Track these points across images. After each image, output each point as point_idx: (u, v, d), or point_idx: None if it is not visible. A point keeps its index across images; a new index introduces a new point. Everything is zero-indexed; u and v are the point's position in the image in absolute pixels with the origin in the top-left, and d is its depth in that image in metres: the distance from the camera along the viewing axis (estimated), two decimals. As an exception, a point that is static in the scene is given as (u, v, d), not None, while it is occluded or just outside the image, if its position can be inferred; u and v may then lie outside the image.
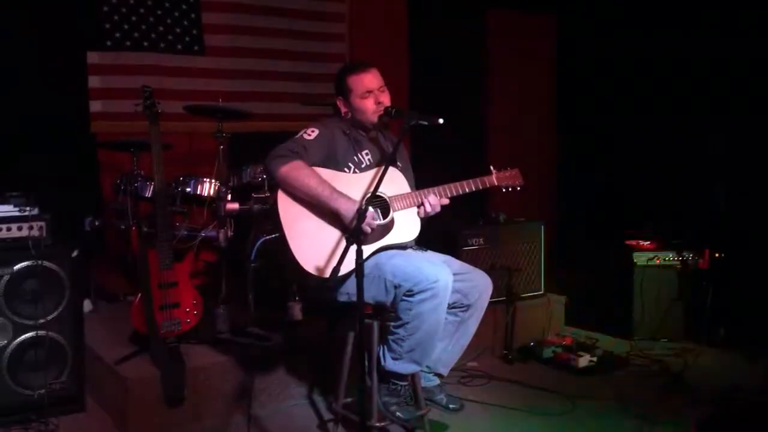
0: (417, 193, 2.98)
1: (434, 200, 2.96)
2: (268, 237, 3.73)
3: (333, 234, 2.84)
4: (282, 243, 2.81)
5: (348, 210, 2.75)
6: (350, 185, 2.88)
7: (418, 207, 2.97)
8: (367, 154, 3.05)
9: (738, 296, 4.29)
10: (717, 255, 4.32)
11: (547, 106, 6.55)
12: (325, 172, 2.88)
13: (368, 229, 2.75)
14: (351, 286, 2.79)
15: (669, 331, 4.35)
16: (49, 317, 3.14)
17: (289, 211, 2.84)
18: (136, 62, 4.68)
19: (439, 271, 2.78)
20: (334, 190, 2.80)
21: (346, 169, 2.97)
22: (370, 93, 3.00)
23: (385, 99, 3.03)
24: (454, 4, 5.85)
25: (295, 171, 2.81)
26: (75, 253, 3.23)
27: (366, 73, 3.03)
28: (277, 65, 5.25)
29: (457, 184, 3.01)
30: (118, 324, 3.70)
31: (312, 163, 2.86)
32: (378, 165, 3.02)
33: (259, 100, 5.08)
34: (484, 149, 6.14)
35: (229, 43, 5.05)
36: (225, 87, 4.90)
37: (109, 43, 4.61)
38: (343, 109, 3.07)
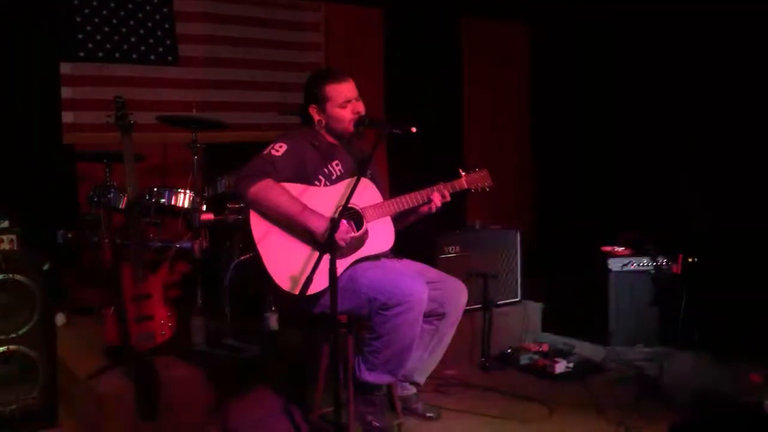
0: (390, 201, 2.98)
1: (437, 198, 2.98)
2: (242, 257, 3.72)
3: (306, 250, 2.83)
4: (256, 261, 2.80)
5: (319, 227, 2.74)
6: (321, 198, 2.88)
7: (423, 204, 2.99)
8: (337, 165, 3.04)
9: (712, 300, 4.33)
10: (690, 260, 4.36)
11: (523, 114, 6.60)
12: (295, 188, 2.86)
13: (342, 243, 2.75)
14: (326, 297, 2.78)
15: (644, 336, 4.38)
16: (20, 331, 3.08)
17: (261, 229, 2.82)
18: (109, 73, 4.66)
19: (414, 284, 2.79)
20: (305, 207, 2.79)
21: (316, 182, 2.96)
22: (349, 102, 3.00)
23: (361, 108, 3.03)
24: (428, 13, 5.88)
25: (265, 191, 2.79)
26: (46, 266, 3.19)
27: (345, 83, 3.02)
28: (253, 75, 5.24)
29: (428, 189, 3.02)
30: (92, 337, 3.66)
31: (281, 179, 2.84)
32: (349, 175, 3.01)
33: (234, 110, 5.07)
34: (460, 157, 6.16)
35: (204, 53, 5.04)
36: (199, 97, 4.87)
37: (82, 53, 4.58)
38: (317, 117, 3.05)
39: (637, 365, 4.05)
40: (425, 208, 3.06)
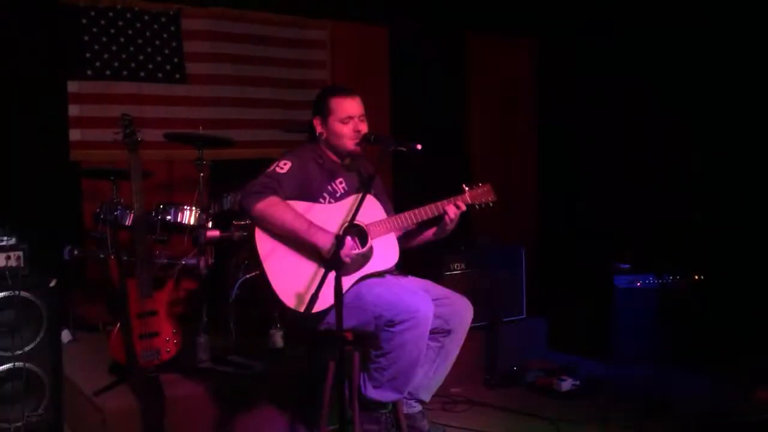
0: (394, 218, 2.99)
1: (453, 211, 2.98)
2: (248, 275, 3.72)
3: (311, 267, 2.83)
4: (261, 277, 2.81)
5: (325, 243, 2.75)
6: (326, 215, 2.88)
7: (435, 216, 3.00)
8: (341, 183, 3.05)
9: (718, 317, 4.32)
10: (696, 277, 4.35)
11: (528, 129, 6.60)
12: (300, 205, 2.87)
13: (347, 260, 2.75)
14: (332, 315, 2.78)
15: (650, 353, 4.36)
16: (27, 348, 3.09)
17: (266, 246, 2.83)
18: (116, 91, 4.69)
19: (420, 301, 2.78)
20: (311, 224, 2.80)
21: (321, 200, 2.97)
22: (351, 119, 3.01)
23: (364, 128, 3.03)
24: (433, 31, 5.91)
25: (271, 207, 2.80)
26: (53, 283, 3.20)
27: (350, 99, 3.03)
28: (259, 92, 5.26)
29: (432, 205, 3.02)
30: (98, 354, 3.66)
31: (286, 197, 2.85)
32: (353, 193, 3.02)
33: (240, 128, 5.09)
34: (467, 173, 6.17)
35: (211, 70, 5.07)
36: (206, 115, 4.90)
37: (89, 72, 4.62)
38: (319, 129, 3.06)
39: (643, 383, 4.03)
40: (431, 233, 3.08)
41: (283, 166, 2.91)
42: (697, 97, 4.93)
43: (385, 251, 2.97)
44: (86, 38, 4.60)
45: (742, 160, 4.67)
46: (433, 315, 2.81)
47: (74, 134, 4.60)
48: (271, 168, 2.92)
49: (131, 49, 4.75)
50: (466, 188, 3.10)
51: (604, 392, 3.94)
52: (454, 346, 3.09)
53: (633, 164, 5.43)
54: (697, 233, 4.72)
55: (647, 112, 5.33)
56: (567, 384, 3.92)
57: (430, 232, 3.16)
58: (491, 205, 3.14)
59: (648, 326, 4.38)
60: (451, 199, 3.05)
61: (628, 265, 4.52)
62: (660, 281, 4.40)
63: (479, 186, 3.13)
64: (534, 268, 4.60)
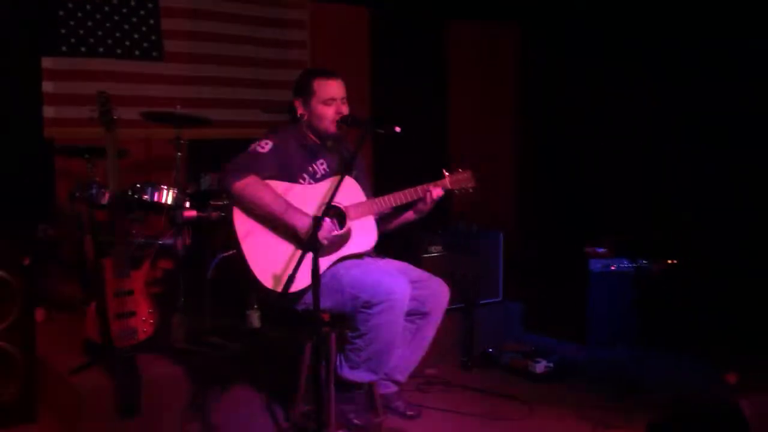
0: (373, 201, 2.99)
1: (432, 195, 3.00)
2: (225, 254, 3.71)
3: (289, 248, 2.83)
4: (239, 257, 2.80)
5: (303, 225, 2.75)
6: (305, 197, 2.88)
7: (419, 201, 3.00)
8: (322, 164, 3.05)
9: (691, 301, 4.39)
10: (670, 261, 4.41)
11: (508, 115, 6.61)
12: (279, 185, 2.87)
13: (325, 242, 2.76)
14: (309, 295, 2.79)
15: (624, 336, 4.42)
16: (0, 327, 3.06)
17: (244, 226, 2.83)
18: (92, 68, 4.62)
19: (397, 283, 2.80)
20: (289, 205, 2.80)
21: (301, 180, 2.97)
22: (333, 101, 3.00)
23: (345, 111, 3.04)
24: (415, 13, 5.89)
25: (250, 187, 2.80)
26: (27, 261, 3.16)
27: (333, 81, 3.03)
28: (238, 72, 5.22)
29: (412, 189, 3.03)
30: (73, 333, 3.63)
31: (266, 177, 2.85)
32: (334, 174, 3.02)
33: (219, 107, 5.04)
34: (446, 157, 6.18)
35: (189, 49, 5.01)
36: (184, 93, 4.85)
37: (64, 48, 4.54)
38: (300, 111, 3.06)
39: (616, 366, 4.09)
40: (407, 216, 3.09)
41: (264, 146, 2.90)
42: (677, 79, 4.96)
43: (364, 233, 2.97)
44: (61, 13, 4.52)
45: (717, 146, 4.71)
46: (409, 297, 2.83)
47: (48, 111, 4.53)
48: (252, 147, 2.91)
49: (107, 25, 4.67)
50: (447, 173, 3.11)
51: (577, 374, 4.00)
52: (431, 328, 3.12)
53: (609, 150, 5.47)
54: (672, 218, 4.77)
55: (624, 97, 5.36)
56: (541, 366, 3.97)
57: (406, 216, 3.16)
58: (471, 191, 3.15)
59: (622, 310, 4.44)
60: (431, 184, 3.06)
61: (603, 249, 4.56)
62: (634, 265, 4.45)
63: (459, 172, 3.14)
64: (511, 251, 4.63)
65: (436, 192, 3.02)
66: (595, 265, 4.43)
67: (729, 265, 4.47)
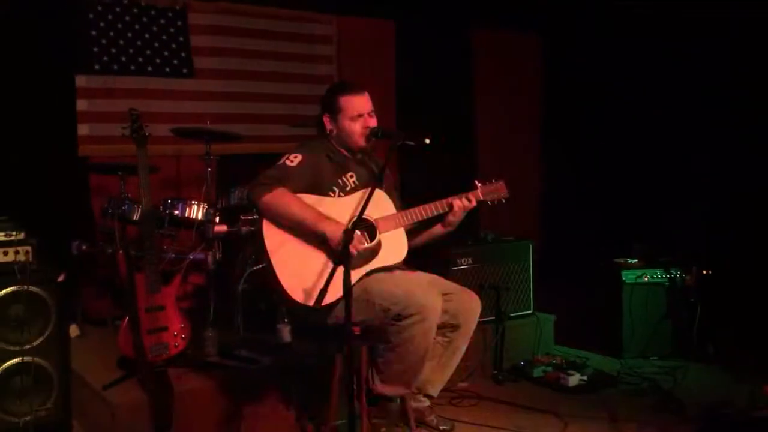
0: (403, 213, 2.98)
1: (462, 206, 2.98)
2: (255, 268, 3.72)
3: (319, 259, 2.82)
4: (268, 271, 2.81)
5: (334, 232, 2.74)
6: (335, 209, 2.88)
7: (448, 214, 2.98)
8: (351, 177, 3.05)
9: (725, 313, 4.31)
10: (704, 272, 4.34)
11: (535, 125, 6.59)
12: (309, 198, 2.87)
13: (354, 252, 2.75)
14: (340, 309, 2.78)
15: (658, 348, 4.36)
16: (35, 343, 3.10)
17: (274, 239, 2.82)
18: (124, 86, 4.69)
19: (428, 295, 2.78)
20: (319, 213, 2.80)
21: (330, 194, 2.97)
22: (360, 116, 3.01)
23: (373, 123, 3.03)
24: (440, 25, 5.90)
25: (277, 198, 2.80)
26: (61, 278, 3.21)
27: (359, 96, 3.03)
28: (266, 87, 5.26)
29: (443, 201, 3.01)
30: (106, 349, 3.67)
31: (295, 190, 2.84)
32: (363, 187, 3.01)
33: (248, 122, 5.08)
34: (473, 168, 6.16)
35: (218, 65, 5.07)
36: (213, 109, 4.90)
37: (97, 66, 4.62)
38: (329, 126, 3.07)
39: (650, 378, 4.02)
40: (436, 230, 3.07)
41: (293, 159, 2.91)
42: (704, 88, 4.90)
43: (394, 246, 2.96)
44: (93, 33, 4.60)
45: (751, 155, 4.64)
46: (440, 310, 2.81)
47: (82, 129, 4.60)
48: (281, 161, 2.92)
49: (138, 43, 4.75)
50: (479, 184, 3.07)
51: (611, 387, 3.93)
52: (462, 341, 3.09)
53: (641, 158, 5.42)
54: (706, 228, 4.70)
55: (654, 107, 5.31)
56: (574, 379, 3.92)
57: (434, 230, 3.13)
58: (503, 201, 3.10)
59: (655, 321, 4.37)
60: (463, 194, 3.04)
61: (636, 260, 4.50)
62: (668, 276, 4.39)
63: (492, 182, 3.09)
64: (542, 262, 4.59)
65: (469, 202, 3.00)
66: (628, 275, 4.37)
67: (764, 276, 4.40)
